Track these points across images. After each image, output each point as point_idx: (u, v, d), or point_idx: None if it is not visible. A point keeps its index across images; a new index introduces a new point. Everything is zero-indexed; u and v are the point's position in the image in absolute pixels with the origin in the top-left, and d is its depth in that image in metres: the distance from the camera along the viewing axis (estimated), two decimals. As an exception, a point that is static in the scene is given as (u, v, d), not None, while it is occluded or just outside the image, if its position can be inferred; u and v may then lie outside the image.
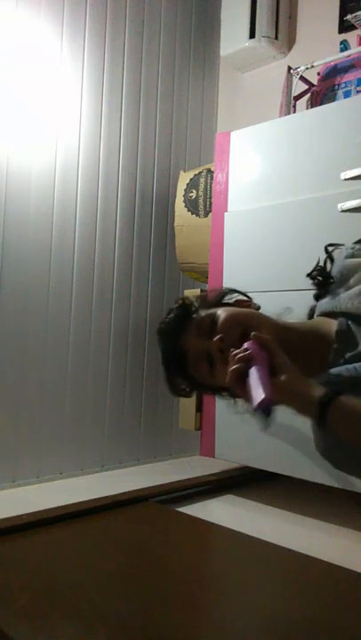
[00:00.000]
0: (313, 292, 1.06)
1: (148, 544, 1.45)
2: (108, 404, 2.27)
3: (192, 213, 2.26)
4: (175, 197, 2.34)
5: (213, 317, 0.90)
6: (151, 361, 2.42)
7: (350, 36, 2.27)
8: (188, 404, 2.13)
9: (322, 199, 1.76)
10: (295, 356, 0.85)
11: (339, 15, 2.32)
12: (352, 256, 1.00)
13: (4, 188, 1.96)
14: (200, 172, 2.30)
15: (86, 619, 1.03)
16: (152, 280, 2.45)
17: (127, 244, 2.36)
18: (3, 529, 1.43)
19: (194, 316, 0.94)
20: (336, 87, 2.26)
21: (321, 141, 1.80)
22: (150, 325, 2.42)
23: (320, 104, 2.26)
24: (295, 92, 2.27)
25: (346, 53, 2.18)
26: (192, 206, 2.27)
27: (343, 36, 2.31)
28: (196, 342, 0.90)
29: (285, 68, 2.28)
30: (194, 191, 2.28)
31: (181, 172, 2.40)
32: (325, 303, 0.98)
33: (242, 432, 1.92)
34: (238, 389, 0.81)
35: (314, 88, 2.31)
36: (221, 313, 0.90)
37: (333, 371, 0.88)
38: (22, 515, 1.52)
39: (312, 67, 2.22)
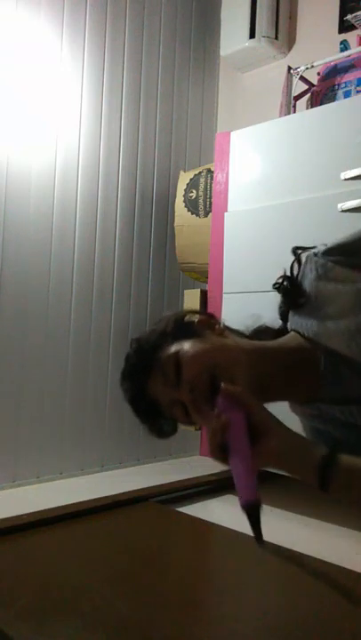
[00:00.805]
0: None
1: (148, 544, 1.45)
2: (108, 403, 2.27)
3: (192, 213, 2.26)
4: (175, 197, 2.34)
5: (176, 360, 0.82)
6: (151, 361, 2.42)
7: (350, 36, 2.27)
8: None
9: (322, 199, 1.76)
10: (277, 386, 0.79)
11: (339, 15, 2.32)
12: (323, 277, 0.88)
13: (4, 188, 1.96)
14: (200, 172, 2.30)
15: (86, 619, 1.03)
16: (152, 280, 2.45)
17: (127, 243, 2.36)
18: (3, 529, 1.43)
19: (155, 357, 0.86)
20: (336, 87, 2.26)
21: (321, 141, 1.80)
22: (150, 325, 2.42)
23: (320, 104, 2.26)
24: (295, 92, 2.27)
25: (346, 53, 2.18)
26: (192, 206, 2.27)
27: (343, 35, 2.31)
28: (165, 391, 0.84)
29: (285, 68, 2.28)
30: (194, 191, 2.28)
31: (181, 172, 2.40)
32: (305, 324, 0.89)
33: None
34: (226, 464, 0.76)
35: (314, 88, 2.31)
36: (183, 355, 0.81)
37: (326, 410, 0.81)
38: (22, 515, 1.52)
39: (312, 67, 2.22)
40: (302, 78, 2.26)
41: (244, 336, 0.92)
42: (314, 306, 0.89)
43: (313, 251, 0.92)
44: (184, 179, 2.34)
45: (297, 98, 2.28)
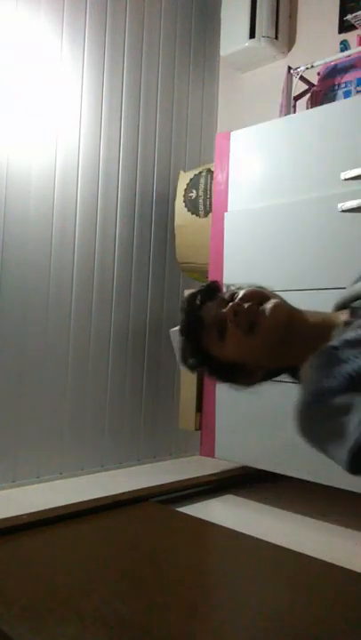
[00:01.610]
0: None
1: (148, 544, 1.45)
2: (108, 403, 2.27)
3: (192, 213, 2.26)
4: (175, 197, 2.34)
5: (235, 291, 0.96)
6: (151, 361, 2.42)
7: (350, 36, 2.27)
8: (188, 403, 2.13)
9: (322, 199, 1.76)
10: (303, 343, 0.88)
11: (339, 15, 2.32)
12: None
13: (4, 187, 1.96)
14: (200, 172, 2.30)
15: (86, 619, 1.03)
16: (152, 280, 2.45)
17: (127, 243, 2.36)
18: (3, 529, 1.43)
19: (219, 293, 0.99)
20: (336, 87, 2.26)
21: (321, 141, 1.80)
22: (150, 325, 2.42)
23: (320, 104, 2.26)
24: (295, 92, 2.27)
25: (346, 53, 2.19)
26: (192, 206, 2.27)
27: (343, 35, 2.30)
28: (213, 311, 0.95)
29: (285, 68, 2.28)
30: (194, 191, 2.28)
31: (181, 172, 2.40)
32: (340, 295, 0.99)
33: (242, 432, 1.92)
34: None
35: (314, 88, 2.31)
36: (245, 289, 0.95)
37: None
38: (22, 515, 1.52)
39: (312, 67, 2.22)
40: (302, 78, 2.26)
41: None
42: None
43: None
44: (184, 179, 2.34)
45: (297, 98, 2.28)
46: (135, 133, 2.38)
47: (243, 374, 0.99)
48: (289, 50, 2.51)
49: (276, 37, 2.42)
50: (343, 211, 1.68)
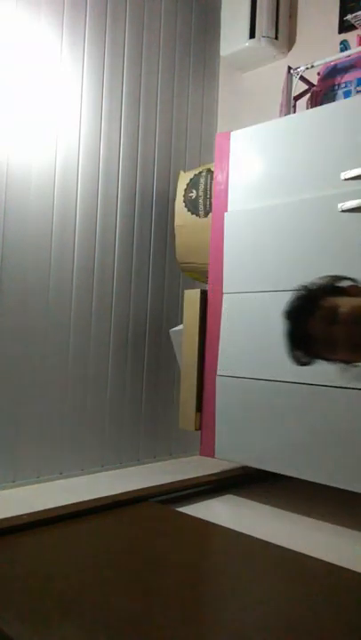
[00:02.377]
0: None
1: (148, 544, 1.45)
2: (108, 403, 2.27)
3: (192, 213, 2.26)
4: (175, 197, 2.34)
5: (335, 308, 1.05)
6: (151, 361, 2.42)
7: (350, 36, 2.27)
8: (188, 403, 2.13)
9: (322, 199, 1.76)
10: None
11: (339, 15, 2.32)
12: None
13: (4, 187, 1.96)
14: (200, 172, 2.30)
15: (86, 619, 1.03)
16: (152, 280, 2.45)
17: (127, 243, 2.36)
18: (3, 529, 1.43)
19: (319, 302, 1.08)
20: (336, 87, 2.26)
21: (321, 141, 1.80)
22: (150, 325, 2.42)
23: (320, 104, 2.26)
24: (295, 92, 2.27)
25: (346, 53, 2.18)
26: (192, 206, 2.27)
27: (343, 36, 2.31)
28: (322, 327, 1.05)
29: (285, 68, 2.28)
30: (194, 191, 2.28)
31: (181, 172, 2.40)
32: None
33: (242, 432, 1.92)
34: None
35: (314, 88, 2.31)
36: (341, 305, 1.05)
37: None
38: (22, 515, 1.52)
39: (312, 67, 2.22)
40: (302, 78, 2.26)
41: None
42: None
43: None
44: (184, 179, 2.34)
45: (297, 98, 2.28)
46: (135, 133, 2.38)
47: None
48: (289, 50, 2.51)
49: (276, 37, 2.42)
50: (343, 211, 1.68)
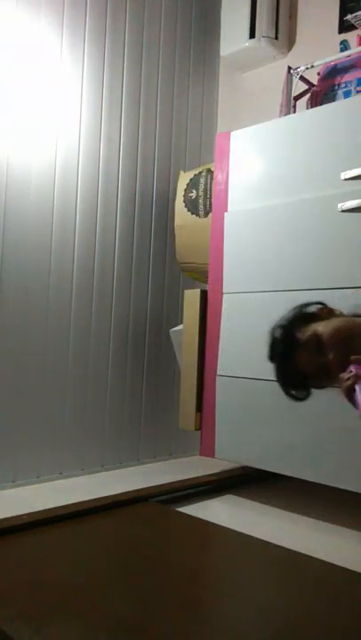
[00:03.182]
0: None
1: (148, 544, 1.45)
2: (108, 403, 2.27)
3: (192, 213, 2.26)
4: (175, 197, 2.34)
5: (317, 339, 1.03)
6: (151, 361, 2.42)
7: (350, 36, 2.27)
8: (188, 403, 2.13)
9: (322, 199, 1.76)
10: None
11: (339, 15, 2.32)
12: None
13: (4, 187, 1.96)
14: (200, 172, 2.30)
15: (86, 619, 1.03)
16: (152, 280, 2.45)
17: (127, 243, 2.36)
18: (3, 529, 1.43)
19: (298, 336, 1.06)
20: (336, 87, 2.26)
21: (321, 141, 1.80)
22: (150, 325, 2.42)
23: (320, 104, 2.26)
24: (295, 92, 2.27)
25: (346, 53, 2.18)
26: (192, 206, 2.27)
27: (343, 36, 2.30)
28: (311, 361, 1.04)
29: (285, 68, 2.28)
30: (194, 191, 2.28)
31: (181, 172, 2.40)
32: None
33: (242, 432, 1.92)
34: (350, 401, 0.97)
35: (314, 88, 2.31)
36: (322, 331, 1.03)
37: None
38: (22, 515, 1.52)
39: (312, 67, 2.22)
40: (302, 78, 2.26)
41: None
42: None
43: None
44: (184, 179, 2.34)
45: (297, 98, 2.28)
46: (135, 133, 2.38)
47: None
48: (289, 50, 2.51)
49: (276, 37, 2.42)
50: (343, 211, 1.68)
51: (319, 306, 1.12)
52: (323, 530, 1.64)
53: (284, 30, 2.45)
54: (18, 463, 2.00)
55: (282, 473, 1.82)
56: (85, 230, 2.20)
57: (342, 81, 2.24)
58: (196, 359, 2.09)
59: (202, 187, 2.25)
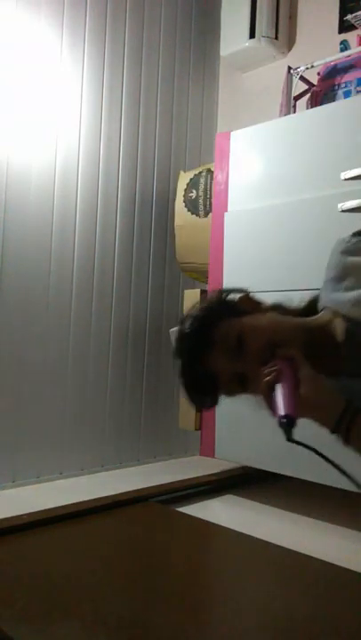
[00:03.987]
0: (311, 291, 1.08)
1: (148, 544, 1.45)
2: (108, 403, 2.27)
3: (192, 213, 2.26)
4: (175, 197, 2.34)
5: (237, 333, 0.88)
6: (151, 361, 2.42)
7: (350, 36, 2.27)
8: (188, 403, 2.13)
9: (322, 199, 1.76)
10: (312, 356, 0.87)
11: (339, 15, 2.32)
12: (346, 252, 0.95)
13: (4, 187, 1.96)
14: (200, 172, 2.30)
15: (86, 619, 1.03)
16: (152, 280, 2.45)
17: (127, 243, 2.35)
18: (3, 529, 1.43)
19: (213, 330, 0.91)
20: (336, 87, 2.26)
21: (321, 141, 1.80)
22: (150, 325, 2.42)
23: (320, 104, 2.26)
24: (295, 92, 2.27)
25: (346, 53, 2.18)
26: (192, 206, 2.27)
27: (343, 36, 2.30)
28: (225, 364, 0.90)
29: (285, 68, 2.28)
30: (194, 191, 2.28)
31: (181, 172, 2.40)
32: (328, 298, 0.96)
33: (242, 432, 1.92)
34: (267, 402, 0.86)
35: (314, 88, 2.31)
36: (244, 327, 0.89)
37: (349, 383, 0.89)
38: (22, 515, 1.52)
39: (312, 67, 2.22)
40: (302, 78, 2.26)
41: (284, 312, 0.98)
42: (338, 279, 0.96)
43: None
44: (184, 179, 2.34)
45: (297, 98, 2.28)
46: (135, 133, 2.38)
47: None
48: (289, 50, 2.51)
49: (276, 37, 2.42)
50: (343, 211, 1.68)
51: (241, 294, 0.98)
52: (323, 530, 1.64)
53: (284, 30, 2.45)
54: (18, 463, 1.99)
55: (282, 473, 1.82)
56: (85, 230, 2.20)
57: (342, 81, 2.24)
58: (196, 359, 2.09)
59: (202, 187, 2.25)
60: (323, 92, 2.30)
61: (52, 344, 2.09)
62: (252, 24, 2.39)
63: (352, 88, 2.21)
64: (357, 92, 2.19)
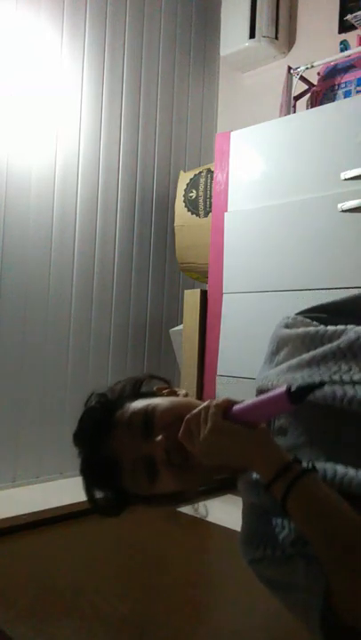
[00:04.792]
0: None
1: (149, 544, 1.45)
2: (108, 404, 2.27)
3: (192, 213, 2.26)
4: (175, 197, 2.34)
5: (146, 413, 0.77)
6: (151, 361, 2.42)
7: (350, 36, 2.27)
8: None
9: (322, 199, 1.76)
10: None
11: (339, 15, 2.32)
12: (286, 326, 0.89)
13: (4, 187, 1.96)
14: (200, 172, 2.30)
15: (86, 619, 1.03)
16: (152, 280, 2.45)
17: (127, 243, 2.35)
18: (3, 529, 1.43)
19: (117, 413, 0.81)
20: (336, 87, 2.26)
21: (321, 141, 1.80)
22: (150, 325, 2.42)
23: (320, 104, 2.26)
24: (295, 92, 2.27)
25: (346, 53, 2.18)
26: (192, 206, 2.27)
27: (343, 36, 2.31)
28: (131, 446, 0.77)
29: (285, 68, 2.28)
30: (194, 191, 2.28)
31: (181, 172, 2.40)
32: (260, 377, 0.90)
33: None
34: (235, 422, 0.70)
35: (314, 88, 2.31)
36: (156, 406, 0.78)
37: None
38: (22, 515, 1.52)
39: (312, 67, 2.22)
40: (302, 78, 2.26)
41: None
42: (273, 354, 0.90)
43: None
44: (184, 179, 2.34)
45: (297, 98, 2.28)
46: (135, 133, 2.38)
47: (181, 498, 0.87)
48: (289, 50, 2.51)
49: (276, 37, 2.42)
50: (343, 211, 1.68)
51: (161, 384, 0.88)
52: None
53: (284, 30, 2.45)
54: (18, 463, 1.99)
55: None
56: (85, 230, 2.20)
57: (342, 81, 2.24)
58: (196, 359, 2.09)
59: (202, 187, 2.25)
60: (323, 92, 2.30)
61: (52, 344, 2.09)
62: (253, 24, 2.39)
63: (352, 88, 2.21)
64: (357, 91, 2.19)
